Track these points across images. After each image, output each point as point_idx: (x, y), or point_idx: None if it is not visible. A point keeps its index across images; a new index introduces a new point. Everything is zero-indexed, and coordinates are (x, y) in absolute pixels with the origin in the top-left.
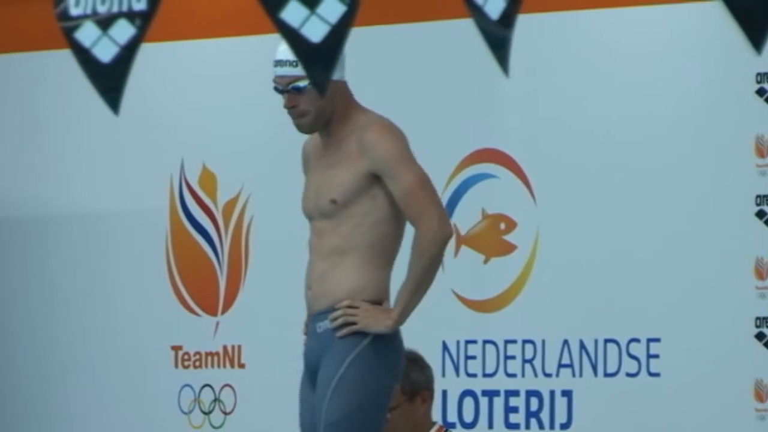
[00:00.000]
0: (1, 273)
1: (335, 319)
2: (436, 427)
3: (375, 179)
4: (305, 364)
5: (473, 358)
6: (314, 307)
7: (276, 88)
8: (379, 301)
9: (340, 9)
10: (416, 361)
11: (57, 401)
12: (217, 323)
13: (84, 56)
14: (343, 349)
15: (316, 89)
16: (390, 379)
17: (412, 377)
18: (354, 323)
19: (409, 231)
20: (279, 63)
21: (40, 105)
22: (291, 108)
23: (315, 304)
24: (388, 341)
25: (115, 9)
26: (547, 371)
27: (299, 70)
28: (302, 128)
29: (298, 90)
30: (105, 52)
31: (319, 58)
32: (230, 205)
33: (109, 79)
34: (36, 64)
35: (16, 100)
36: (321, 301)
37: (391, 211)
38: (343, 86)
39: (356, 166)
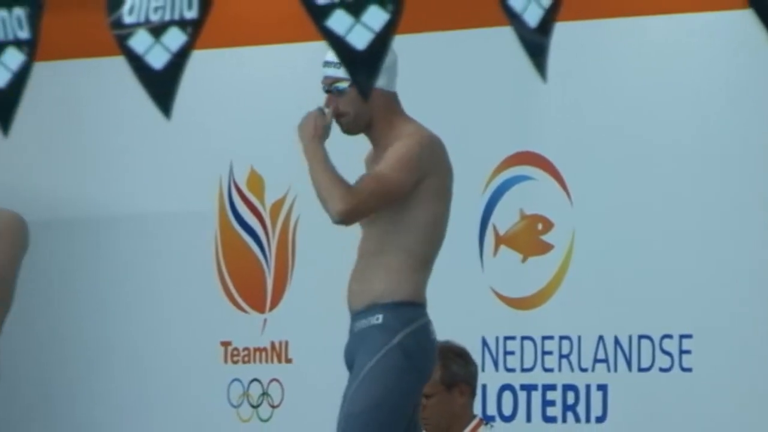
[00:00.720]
0: (53, 274)
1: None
2: (475, 421)
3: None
4: (345, 362)
5: (512, 353)
6: (352, 307)
7: (323, 88)
8: (411, 302)
9: (384, 17)
10: (461, 356)
11: (107, 396)
12: (265, 320)
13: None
14: (373, 346)
15: (360, 94)
16: (415, 380)
17: (453, 369)
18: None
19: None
20: (325, 64)
21: (95, 110)
22: (330, 108)
23: (353, 303)
24: (418, 343)
25: (167, 17)
26: (583, 366)
27: (341, 72)
28: (342, 129)
29: (339, 91)
30: (157, 58)
31: (364, 64)
32: (277, 206)
33: (161, 85)
34: (90, 70)
35: (70, 105)
36: (357, 301)
37: (428, 217)
38: (388, 96)
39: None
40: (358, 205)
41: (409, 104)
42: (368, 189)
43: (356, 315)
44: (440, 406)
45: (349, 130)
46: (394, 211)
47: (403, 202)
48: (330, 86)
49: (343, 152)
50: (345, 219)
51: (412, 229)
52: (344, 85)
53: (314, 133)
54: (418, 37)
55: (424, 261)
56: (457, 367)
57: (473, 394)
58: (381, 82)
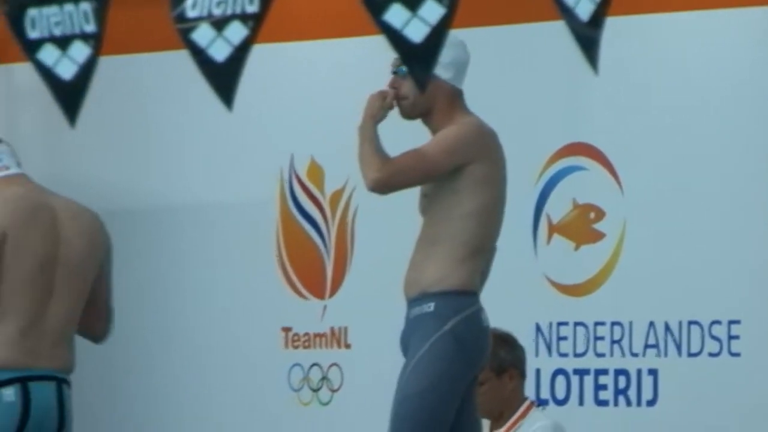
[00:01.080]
0: (116, 263)
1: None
2: (526, 403)
3: (457, 174)
4: (401, 348)
5: (565, 339)
6: (407, 295)
7: (391, 70)
8: (462, 290)
9: (440, 11)
10: (507, 341)
11: (169, 383)
12: (325, 306)
13: (199, 56)
14: (425, 333)
15: (417, 86)
16: (465, 366)
17: (500, 355)
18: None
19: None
20: None
21: (159, 103)
22: (393, 89)
23: (407, 291)
24: (469, 330)
25: (228, 11)
26: (634, 351)
27: None
28: (400, 111)
29: (403, 75)
30: (219, 52)
31: (420, 57)
32: (336, 196)
33: (223, 78)
34: (154, 64)
35: (135, 98)
36: (411, 289)
37: (476, 207)
38: (452, 90)
39: None
40: (392, 176)
41: (470, 97)
42: (404, 163)
43: (411, 303)
44: (492, 393)
45: (407, 114)
46: (446, 201)
47: (453, 191)
48: (396, 68)
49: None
50: (378, 187)
51: (462, 218)
52: (406, 68)
53: (371, 113)
54: (474, 31)
55: (474, 250)
56: (504, 353)
57: (522, 377)
58: (447, 75)
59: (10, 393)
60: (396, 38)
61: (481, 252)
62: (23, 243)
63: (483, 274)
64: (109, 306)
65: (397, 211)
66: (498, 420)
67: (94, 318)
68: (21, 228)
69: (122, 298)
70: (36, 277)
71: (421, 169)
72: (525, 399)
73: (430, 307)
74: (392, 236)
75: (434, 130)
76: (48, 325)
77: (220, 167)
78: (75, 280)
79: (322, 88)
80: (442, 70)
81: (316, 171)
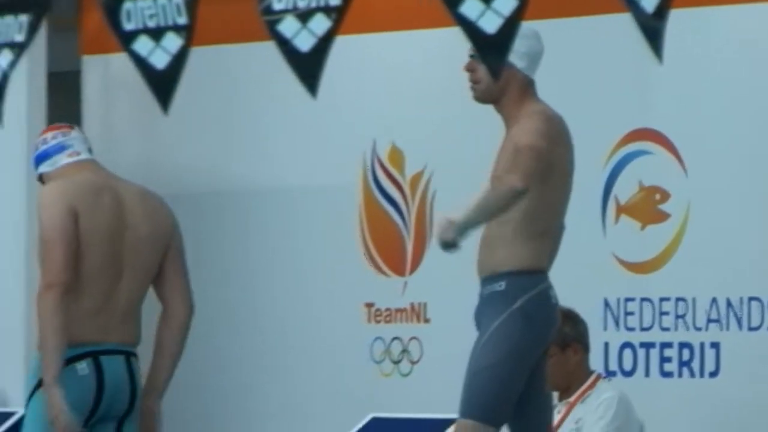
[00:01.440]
0: (205, 244)
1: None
2: (593, 376)
3: None
4: (475, 323)
5: (632, 314)
6: (480, 273)
7: (469, 54)
8: (530, 269)
9: (513, 3)
10: (569, 317)
11: (256, 358)
12: (405, 283)
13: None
14: (496, 310)
15: (491, 75)
16: (534, 342)
17: (564, 331)
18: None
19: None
20: None
21: (247, 92)
22: (469, 72)
23: (480, 270)
24: (538, 308)
25: (313, 4)
26: (698, 325)
27: None
28: (473, 94)
29: (478, 59)
30: (304, 42)
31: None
32: (416, 179)
33: (308, 67)
34: (242, 54)
35: (224, 87)
36: (483, 268)
37: (543, 188)
38: (525, 79)
39: (508, 146)
40: (527, 178)
41: (540, 86)
42: (524, 163)
43: (483, 281)
44: (557, 367)
45: (480, 98)
46: None
47: None
48: (473, 52)
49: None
50: (522, 188)
51: (530, 199)
52: None
53: (449, 225)
54: (545, 23)
55: (541, 229)
56: (568, 329)
57: (586, 351)
58: (521, 65)
59: (83, 366)
60: (471, 29)
61: (548, 231)
62: (92, 226)
63: (552, 252)
64: (186, 286)
65: (472, 192)
66: (566, 392)
67: (177, 301)
68: (89, 211)
69: (211, 277)
70: (106, 259)
71: (536, 158)
72: (591, 372)
73: (501, 285)
74: None
75: (505, 116)
76: (117, 303)
77: (305, 153)
78: (141, 261)
79: (402, 77)
80: (516, 59)
81: (396, 155)
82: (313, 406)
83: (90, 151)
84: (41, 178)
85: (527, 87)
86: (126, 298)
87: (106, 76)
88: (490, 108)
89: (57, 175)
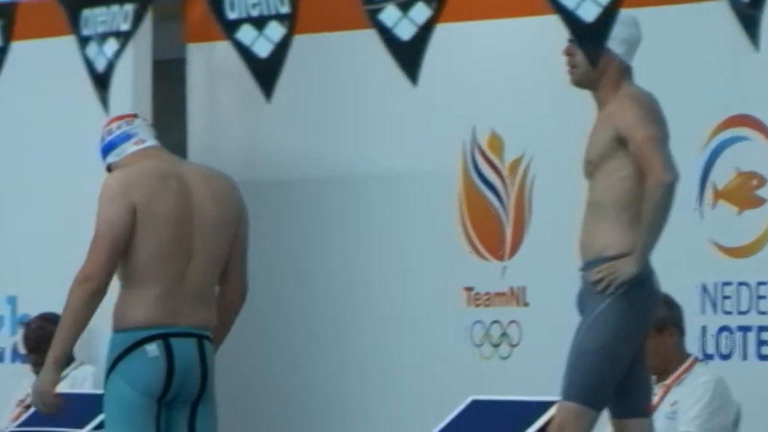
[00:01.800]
0: (306, 229)
1: (597, 282)
2: (690, 359)
3: (621, 142)
4: (577, 307)
5: (729, 298)
6: (583, 257)
7: (568, 39)
8: (626, 255)
9: None
10: (665, 302)
11: (354, 342)
12: (504, 267)
13: (386, 35)
14: (600, 296)
15: (589, 62)
16: (637, 327)
17: (660, 314)
18: (614, 279)
19: None
20: None
21: (348, 79)
22: (567, 56)
23: (583, 253)
24: (641, 293)
25: None
26: None
27: None
28: (571, 78)
29: (576, 44)
30: (404, 31)
31: (592, 35)
32: (515, 164)
33: (408, 55)
34: (343, 42)
35: (326, 74)
36: (585, 253)
37: (636, 171)
38: (620, 64)
39: (605, 132)
40: (670, 167)
41: (637, 73)
42: (660, 152)
43: (586, 265)
44: (654, 349)
45: (577, 82)
46: (607, 166)
47: (614, 156)
48: (571, 37)
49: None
50: (668, 177)
51: (623, 180)
52: None
53: (627, 263)
54: (644, 10)
55: (633, 213)
56: (663, 312)
57: (681, 334)
58: (620, 51)
59: (153, 348)
60: (569, 18)
61: (639, 215)
62: (157, 212)
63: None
64: (242, 273)
65: (571, 178)
66: (663, 374)
67: (230, 288)
68: (152, 199)
69: (312, 262)
70: (173, 244)
71: (660, 142)
72: (688, 355)
73: None
74: (567, 201)
75: (600, 101)
76: (187, 287)
77: (405, 140)
78: (210, 243)
79: (501, 64)
80: (615, 45)
81: (496, 142)
82: (413, 390)
83: (155, 137)
84: (109, 169)
85: (624, 73)
86: (196, 282)
87: (211, 64)
88: (588, 94)
89: (123, 164)
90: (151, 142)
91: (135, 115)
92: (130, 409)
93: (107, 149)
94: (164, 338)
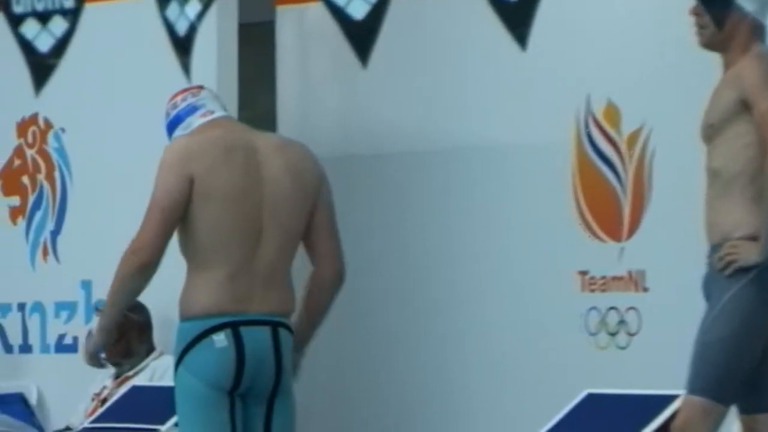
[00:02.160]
0: (404, 204)
1: (720, 259)
2: None
3: (746, 105)
4: (703, 293)
5: None
6: (709, 238)
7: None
8: (755, 236)
9: None
10: None
11: (455, 328)
12: (622, 248)
13: None
14: (728, 280)
15: (714, 23)
16: (762, 317)
17: None
18: (733, 261)
19: None
20: None
21: (449, 42)
22: (694, 16)
23: (710, 235)
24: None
25: None
26: None
27: None
28: (699, 40)
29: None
30: None
31: None
32: (633, 137)
33: (517, 17)
34: (445, 3)
35: (427, 37)
36: (712, 234)
37: (757, 138)
38: (751, 23)
39: (730, 93)
40: None
41: None
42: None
43: (714, 248)
44: None
45: (705, 44)
46: (729, 131)
47: (737, 122)
48: None
49: None
50: None
51: (745, 148)
52: None
53: (752, 248)
54: None
55: (757, 186)
56: None
57: None
58: (751, 8)
59: (221, 338)
60: None
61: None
62: (216, 186)
63: None
64: (335, 247)
65: (694, 151)
66: None
67: (324, 264)
68: (213, 172)
69: (412, 238)
70: (238, 221)
71: None
72: None
73: None
74: (690, 177)
75: (728, 63)
76: (258, 268)
77: (513, 109)
78: (284, 218)
79: (618, 26)
80: (746, 1)
81: (612, 112)
82: (523, 382)
83: (224, 108)
84: None
85: (755, 33)
86: (268, 262)
87: (301, 28)
88: (709, 61)
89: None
90: (220, 112)
91: (201, 87)
92: (201, 403)
93: (173, 124)
94: (233, 327)
